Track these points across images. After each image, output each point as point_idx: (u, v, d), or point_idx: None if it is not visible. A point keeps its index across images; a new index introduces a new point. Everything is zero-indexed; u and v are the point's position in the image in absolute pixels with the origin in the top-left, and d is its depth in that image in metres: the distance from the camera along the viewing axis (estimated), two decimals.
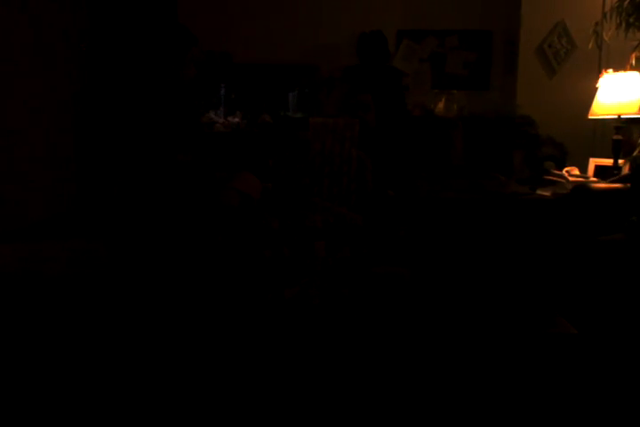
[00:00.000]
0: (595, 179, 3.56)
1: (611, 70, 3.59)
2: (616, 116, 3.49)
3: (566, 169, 3.71)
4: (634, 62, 3.46)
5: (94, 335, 1.30)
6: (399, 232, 1.59)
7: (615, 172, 3.36)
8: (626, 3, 3.34)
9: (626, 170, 3.28)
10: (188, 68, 1.83)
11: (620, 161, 3.43)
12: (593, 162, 3.78)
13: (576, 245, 1.80)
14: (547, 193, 3.23)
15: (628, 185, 2.56)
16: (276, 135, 2.22)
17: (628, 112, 3.41)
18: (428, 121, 4.25)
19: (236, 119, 4.63)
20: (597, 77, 3.72)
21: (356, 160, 2.27)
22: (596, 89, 3.64)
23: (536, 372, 1.26)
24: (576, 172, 3.73)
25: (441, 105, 4.92)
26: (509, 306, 1.34)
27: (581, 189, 2.89)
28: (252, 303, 1.30)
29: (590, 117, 3.68)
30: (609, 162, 3.53)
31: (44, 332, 1.30)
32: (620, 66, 3.64)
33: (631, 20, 3.32)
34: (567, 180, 3.48)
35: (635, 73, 3.47)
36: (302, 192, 1.61)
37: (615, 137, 3.46)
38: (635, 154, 2.27)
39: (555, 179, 3.53)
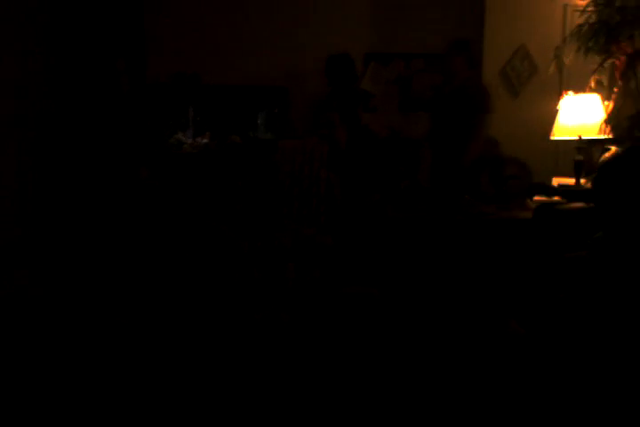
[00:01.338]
0: (558, 198, 3.64)
1: (571, 92, 3.70)
2: (577, 137, 3.59)
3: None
4: (593, 85, 3.58)
5: None
6: (368, 252, 1.59)
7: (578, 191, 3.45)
8: (585, 28, 3.46)
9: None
10: (119, 79, 1.81)
11: (582, 180, 3.52)
12: (556, 181, 3.87)
13: (542, 263, 1.83)
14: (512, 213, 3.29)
15: (591, 204, 2.62)
16: (244, 157, 2.22)
17: (588, 134, 3.51)
18: (396, 141, 4.31)
19: (205, 140, 4.62)
20: (558, 99, 3.83)
21: (324, 181, 2.28)
22: (557, 111, 3.74)
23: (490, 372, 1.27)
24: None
25: (408, 126, 5.00)
26: (468, 315, 1.35)
27: (545, 208, 2.95)
28: (224, 325, 1.28)
29: (552, 139, 3.78)
30: (571, 181, 3.62)
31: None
32: (580, 88, 3.76)
33: (590, 44, 3.44)
34: (532, 199, 3.54)
35: (594, 95, 3.59)
36: (272, 214, 1.60)
37: (577, 158, 3.55)
38: (594, 175, 2.32)
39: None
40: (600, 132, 3.42)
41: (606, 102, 3.51)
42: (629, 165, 1.50)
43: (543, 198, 3.59)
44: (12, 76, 3.35)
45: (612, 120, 3.40)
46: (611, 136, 3.46)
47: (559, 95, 3.91)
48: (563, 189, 3.59)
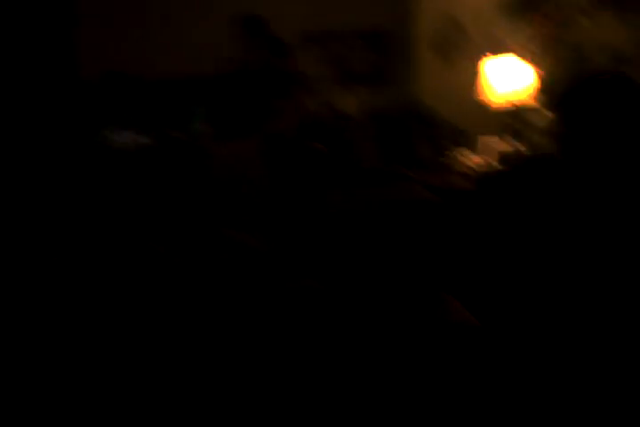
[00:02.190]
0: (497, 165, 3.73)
1: (498, 56, 3.75)
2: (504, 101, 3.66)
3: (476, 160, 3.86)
4: (521, 49, 3.65)
5: None
6: (309, 248, 1.61)
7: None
8: None
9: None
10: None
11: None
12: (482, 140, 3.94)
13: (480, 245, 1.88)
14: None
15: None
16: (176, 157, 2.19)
17: (515, 97, 3.58)
18: (334, 123, 4.31)
19: (140, 138, 4.51)
20: (485, 64, 3.89)
21: (260, 179, 2.28)
22: (484, 75, 3.79)
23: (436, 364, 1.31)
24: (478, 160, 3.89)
25: (347, 103, 5.02)
26: (411, 303, 1.38)
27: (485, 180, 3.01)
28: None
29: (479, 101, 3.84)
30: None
31: None
32: (508, 52, 3.82)
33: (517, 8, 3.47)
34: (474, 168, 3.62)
35: (520, 59, 3.65)
36: (205, 220, 1.61)
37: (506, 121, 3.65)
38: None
39: (459, 168, 3.67)
40: (527, 95, 3.50)
41: (533, 66, 3.58)
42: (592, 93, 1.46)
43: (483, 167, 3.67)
44: None
45: (538, 83, 3.48)
46: (540, 100, 3.55)
47: (487, 60, 3.96)
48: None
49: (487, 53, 4.43)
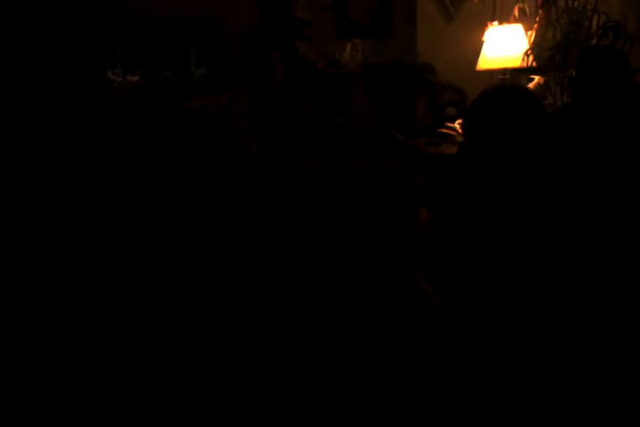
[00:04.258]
0: None
1: (496, 23, 3.72)
2: (501, 68, 3.65)
3: (459, 122, 3.88)
4: (517, 15, 3.60)
5: None
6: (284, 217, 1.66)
7: None
8: None
9: None
10: None
11: None
12: None
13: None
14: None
15: None
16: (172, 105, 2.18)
17: (512, 65, 3.57)
18: (329, 77, 4.29)
19: (136, 78, 4.49)
20: (485, 26, 3.84)
21: (245, 134, 2.31)
22: (483, 42, 3.77)
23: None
24: None
25: (346, 55, 4.95)
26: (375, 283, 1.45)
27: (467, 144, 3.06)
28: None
29: (477, 69, 3.83)
30: None
31: None
32: (507, 19, 3.77)
33: None
34: (458, 133, 3.65)
35: (518, 25, 3.61)
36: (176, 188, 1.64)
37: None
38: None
39: (447, 131, 3.70)
40: (523, 62, 3.49)
41: (529, 32, 3.55)
42: (490, 105, 1.59)
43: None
44: None
45: (534, 50, 3.46)
46: (534, 66, 3.53)
47: (487, 22, 3.91)
48: None
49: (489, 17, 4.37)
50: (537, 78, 3.60)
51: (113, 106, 1.59)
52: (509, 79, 3.66)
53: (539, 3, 3.37)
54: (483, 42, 3.80)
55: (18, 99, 1.41)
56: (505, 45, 3.57)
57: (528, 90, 2.48)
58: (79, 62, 1.68)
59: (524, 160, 1.59)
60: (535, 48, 3.45)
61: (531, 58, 3.48)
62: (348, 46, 4.99)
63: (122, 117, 1.58)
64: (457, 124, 3.78)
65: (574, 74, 2.42)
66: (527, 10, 3.54)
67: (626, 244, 1.49)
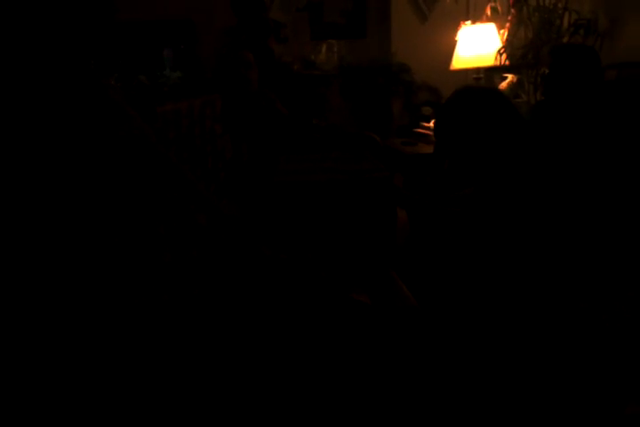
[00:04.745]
0: None
1: (469, 22, 3.74)
2: (474, 67, 3.68)
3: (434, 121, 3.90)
4: (489, 13, 3.63)
5: None
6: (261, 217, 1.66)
7: None
8: None
9: None
10: None
11: None
12: None
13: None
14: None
15: None
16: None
17: (485, 64, 3.60)
18: (305, 78, 4.28)
19: (111, 82, 4.44)
20: (458, 25, 3.86)
21: (220, 137, 2.30)
22: (457, 36, 3.78)
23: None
24: None
25: (321, 56, 4.95)
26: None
27: None
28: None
29: (451, 69, 3.85)
30: None
31: None
32: (479, 18, 3.80)
33: None
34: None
35: (490, 24, 3.64)
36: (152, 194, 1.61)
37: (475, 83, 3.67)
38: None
39: (423, 131, 3.72)
40: (496, 61, 3.52)
41: (502, 31, 3.58)
42: (459, 106, 1.61)
43: None
44: None
45: (507, 48, 3.49)
46: (507, 64, 3.57)
47: (460, 21, 3.94)
48: None
49: (459, 14, 4.40)
50: (510, 77, 3.63)
51: (113, 108, 1.58)
52: (483, 78, 3.68)
53: (510, 1, 3.40)
54: (456, 41, 3.83)
55: (18, 101, 1.39)
56: (478, 44, 3.60)
57: (497, 90, 2.50)
58: (78, 65, 1.66)
59: (496, 159, 1.60)
60: (508, 46, 3.48)
61: (504, 56, 3.51)
62: (324, 47, 4.99)
63: (122, 120, 1.57)
64: (432, 124, 3.79)
65: (547, 72, 2.44)
66: (499, 8, 3.57)
67: (599, 240, 1.50)
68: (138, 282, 1.26)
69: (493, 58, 3.53)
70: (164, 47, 4.67)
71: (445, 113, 1.64)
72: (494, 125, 1.56)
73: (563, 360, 1.34)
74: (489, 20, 3.65)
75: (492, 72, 3.77)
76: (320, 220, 1.69)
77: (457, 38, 3.75)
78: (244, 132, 2.59)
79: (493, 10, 3.56)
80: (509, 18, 3.46)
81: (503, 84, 3.60)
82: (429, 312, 1.44)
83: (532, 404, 1.33)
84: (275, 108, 2.74)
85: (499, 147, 1.57)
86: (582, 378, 1.30)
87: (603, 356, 1.24)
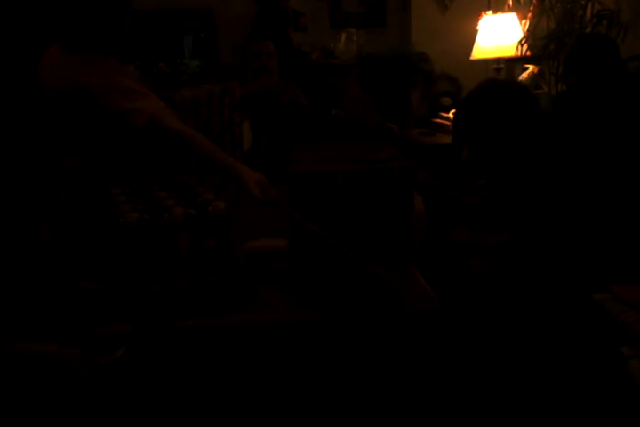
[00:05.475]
0: None
1: (490, 12, 3.70)
2: (495, 57, 3.65)
3: (453, 111, 3.87)
4: (511, 3, 3.59)
5: None
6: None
7: None
8: None
9: None
10: None
11: None
12: None
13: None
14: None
15: None
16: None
17: (506, 55, 3.56)
18: (323, 68, 4.27)
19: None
20: (479, 16, 3.83)
21: (238, 125, 2.31)
22: (477, 31, 3.76)
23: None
24: None
25: (340, 45, 4.93)
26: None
27: None
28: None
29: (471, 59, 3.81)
30: None
31: None
32: (501, 8, 3.76)
33: None
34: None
35: (512, 14, 3.60)
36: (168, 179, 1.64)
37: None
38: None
39: (442, 122, 3.71)
40: (517, 51, 3.48)
41: (523, 21, 3.54)
42: (483, 99, 1.60)
43: None
44: None
45: (528, 39, 3.45)
46: (528, 55, 3.53)
47: (481, 12, 3.89)
48: None
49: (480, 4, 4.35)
50: (531, 67, 3.59)
51: None
52: (504, 68, 3.65)
53: None
54: (477, 31, 3.79)
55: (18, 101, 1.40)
56: (499, 35, 3.56)
57: (522, 84, 2.48)
58: None
59: (516, 153, 1.60)
60: (529, 37, 3.44)
61: (525, 47, 3.47)
62: (343, 37, 4.96)
63: None
64: (451, 115, 3.77)
65: (569, 62, 2.42)
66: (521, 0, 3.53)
67: (615, 234, 1.50)
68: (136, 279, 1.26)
69: (514, 48, 3.49)
70: (183, 35, 4.69)
71: (469, 105, 1.64)
72: (517, 120, 1.56)
73: (571, 361, 1.35)
74: (510, 10, 3.61)
75: (513, 62, 3.73)
76: (337, 209, 1.70)
77: (478, 28, 3.72)
78: (264, 121, 2.61)
79: (515, 0, 3.52)
80: (531, 8, 3.42)
81: (524, 75, 3.56)
82: (447, 304, 1.44)
83: (537, 403, 1.34)
84: (296, 101, 2.75)
85: (519, 140, 1.57)
86: (588, 378, 1.31)
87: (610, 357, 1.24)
